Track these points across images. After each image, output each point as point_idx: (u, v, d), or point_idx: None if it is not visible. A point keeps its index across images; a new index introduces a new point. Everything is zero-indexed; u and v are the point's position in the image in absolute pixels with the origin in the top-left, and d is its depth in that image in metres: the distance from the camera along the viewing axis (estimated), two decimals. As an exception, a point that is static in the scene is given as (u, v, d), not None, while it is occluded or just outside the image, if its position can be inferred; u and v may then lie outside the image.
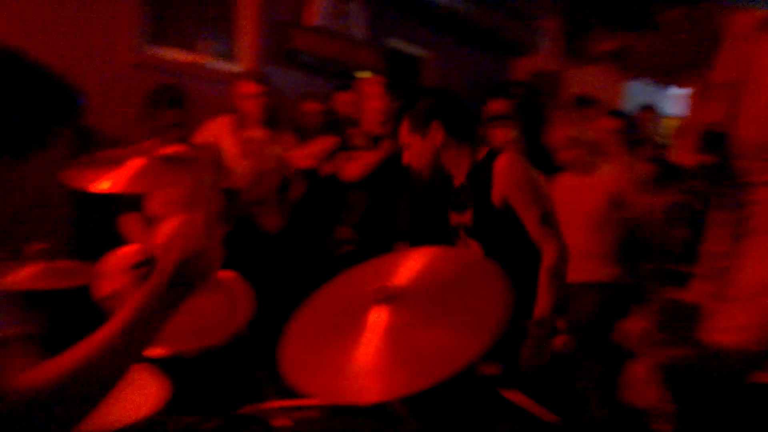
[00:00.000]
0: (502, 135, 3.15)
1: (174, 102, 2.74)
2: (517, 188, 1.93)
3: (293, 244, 3.32)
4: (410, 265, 1.15)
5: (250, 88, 3.23)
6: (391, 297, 1.10)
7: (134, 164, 1.59)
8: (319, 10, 4.54)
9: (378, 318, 1.07)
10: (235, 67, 4.11)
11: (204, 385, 1.68)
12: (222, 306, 1.73)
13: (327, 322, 1.17)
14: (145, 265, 1.86)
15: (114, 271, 1.81)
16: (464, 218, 2.05)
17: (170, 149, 1.99)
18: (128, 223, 2.73)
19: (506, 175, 1.94)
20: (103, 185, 1.53)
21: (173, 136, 2.72)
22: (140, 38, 3.49)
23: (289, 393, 1.74)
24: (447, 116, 2.07)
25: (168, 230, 2.58)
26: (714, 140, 1.08)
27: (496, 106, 3.70)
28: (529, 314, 1.90)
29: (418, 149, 2.08)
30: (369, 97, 3.32)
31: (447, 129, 2.04)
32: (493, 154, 2.02)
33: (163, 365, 1.54)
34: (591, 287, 2.78)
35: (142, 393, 1.42)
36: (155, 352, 1.58)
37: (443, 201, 2.16)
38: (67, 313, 2.09)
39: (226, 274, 1.84)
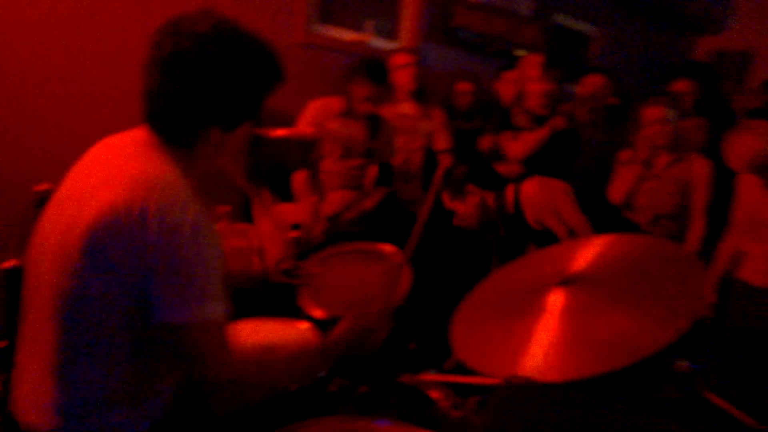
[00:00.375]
0: (656, 114, 2.90)
1: (370, 76, 2.77)
2: None
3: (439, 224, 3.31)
4: (595, 250, 1.11)
5: (401, 59, 3.28)
6: (572, 280, 1.08)
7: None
8: (484, -15, 4.43)
9: (557, 300, 1.05)
10: (397, 46, 4.16)
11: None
12: (380, 279, 1.77)
13: (503, 303, 1.16)
14: (298, 229, 1.98)
15: (272, 231, 1.96)
16: None
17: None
18: (298, 180, 2.85)
19: None
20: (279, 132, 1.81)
21: (365, 109, 2.78)
22: (310, 18, 3.64)
23: (441, 367, 1.75)
24: None
25: (335, 201, 2.70)
26: None
27: (679, 86, 3.42)
28: None
29: None
30: (529, 77, 3.21)
31: None
32: None
33: (326, 327, 1.62)
34: None
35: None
36: (319, 314, 1.67)
37: None
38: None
39: (387, 247, 1.88)
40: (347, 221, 2.70)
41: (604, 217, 2.92)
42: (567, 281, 1.08)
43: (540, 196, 2.74)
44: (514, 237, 3.03)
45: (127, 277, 1.02)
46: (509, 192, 3.07)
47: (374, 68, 2.77)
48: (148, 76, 1.11)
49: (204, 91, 1.08)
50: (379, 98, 2.79)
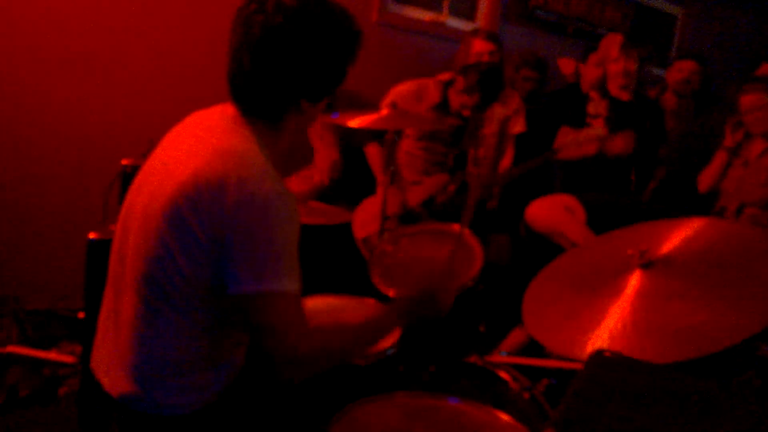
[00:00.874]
0: (753, 102, 2.73)
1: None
2: None
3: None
4: (682, 234, 1.07)
5: (481, 45, 3.19)
6: (654, 263, 1.05)
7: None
8: (565, -35, 4.28)
9: (637, 283, 1.03)
10: (475, 26, 4.09)
11: (430, 330, 1.75)
12: (452, 259, 1.77)
13: (578, 281, 1.14)
14: (391, 220, 2.02)
15: (367, 219, 2.01)
16: None
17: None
18: (371, 152, 2.88)
19: None
20: (356, 122, 1.87)
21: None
22: (388, -1, 3.64)
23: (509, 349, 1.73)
24: None
25: (420, 192, 2.73)
26: None
27: (766, 69, 3.22)
28: None
29: None
30: (609, 58, 3.09)
31: None
32: None
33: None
34: None
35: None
36: (391, 292, 1.69)
37: None
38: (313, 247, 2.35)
39: (458, 227, 1.88)
40: (440, 205, 2.72)
41: (691, 207, 2.79)
42: (649, 264, 1.05)
43: (542, 219, 2.64)
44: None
45: (206, 246, 1.05)
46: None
47: (489, 79, 2.77)
48: (238, 56, 1.12)
49: (297, 66, 1.10)
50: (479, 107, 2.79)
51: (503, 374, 1.43)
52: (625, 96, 3.05)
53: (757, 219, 2.69)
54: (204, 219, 1.04)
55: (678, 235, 1.10)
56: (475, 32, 3.40)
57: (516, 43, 4.26)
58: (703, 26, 5.31)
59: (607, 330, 1.02)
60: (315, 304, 1.64)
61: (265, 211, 1.03)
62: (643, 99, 3.13)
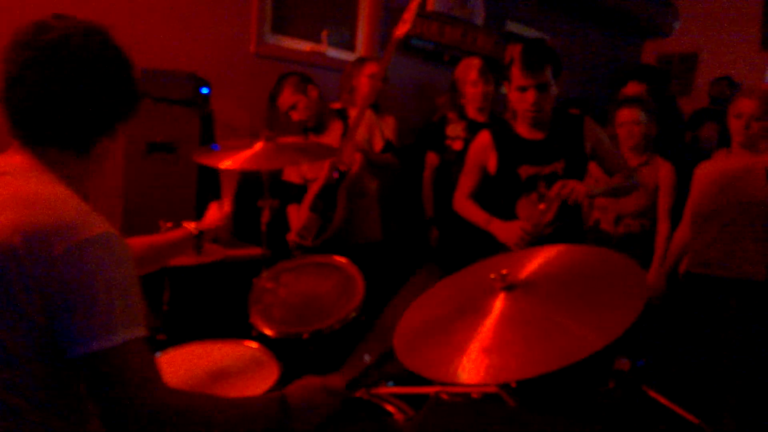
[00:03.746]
0: (629, 115, 2.97)
1: (290, 86, 2.76)
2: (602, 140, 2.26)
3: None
4: (541, 259, 1.14)
5: (373, 67, 3.23)
6: (513, 285, 1.10)
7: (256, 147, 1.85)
8: (438, -5, 4.48)
9: (501, 304, 1.07)
10: (354, 56, 4.16)
11: (316, 366, 1.72)
12: (335, 291, 1.76)
13: (447, 309, 1.16)
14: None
15: None
16: (552, 168, 2.17)
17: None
18: (291, 213, 2.82)
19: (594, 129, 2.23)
20: (227, 164, 1.74)
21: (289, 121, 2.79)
22: (263, 28, 3.62)
23: (402, 379, 1.74)
24: (557, 63, 2.16)
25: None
26: None
27: (631, 89, 3.52)
28: None
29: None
30: (467, 82, 3.25)
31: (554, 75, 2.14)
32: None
33: (279, 346, 1.60)
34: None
35: (258, 373, 1.47)
36: (270, 333, 1.64)
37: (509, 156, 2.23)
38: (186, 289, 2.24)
39: (340, 259, 1.87)
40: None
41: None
42: (511, 287, 1.10)
43: None
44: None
45: (31, 310, 0.93)
46: None
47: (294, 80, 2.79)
48: (18, 91, 1.03)
49: (80, 97, 1.03)
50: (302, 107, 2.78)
51: (389, 407, 1.43)
52: (481, 118, 3.22)
53: (631, 229, 2.90)
54: (29, 280, 0.93)
55: (537, 260, 1.16)
56: (362, 60, 3.46)
57: (396, 72, 4.38)
58: (567, 51, 5.75)
59: (476, 351, 1.05)
60: (191, 352, 1.56)
61: (96, 256, 0.94)
62: (499, 120, 3.32)
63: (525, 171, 2.17)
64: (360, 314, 1.69)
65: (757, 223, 2.46)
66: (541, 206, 2.02)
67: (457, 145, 3.26)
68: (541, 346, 0.98)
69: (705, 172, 2.64)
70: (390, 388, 1.54)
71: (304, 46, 3.90)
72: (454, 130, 3.30)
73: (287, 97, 2.75)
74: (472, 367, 1.03)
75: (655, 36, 5.99)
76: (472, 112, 3.29)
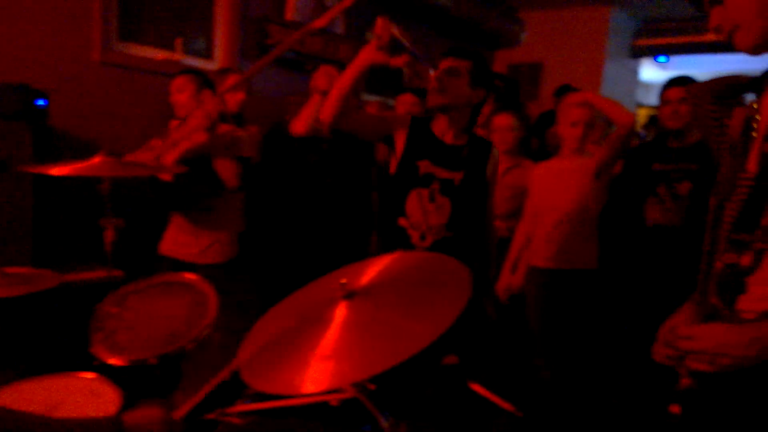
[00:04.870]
0: (504, 122, 3.16)
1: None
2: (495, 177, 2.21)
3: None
4: (376, 266, 1.18)
5: (234, 80, 3.16)
6: (352, 293, 1.12)
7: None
8: (297, 5, 4.47)
9: (340, 313, 1.09)
10: (212, 65, 4.04)
11: (169, 390, 1.63)
12: (186, 310, 1.68)
13: (289, 324, 1.16)
14: None
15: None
16: (450, 175, 2.11)
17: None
18: None
19: (497, 163, 2.21)
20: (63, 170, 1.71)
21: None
22: (108, 35, 3.41)
23: (259, 396, 1.71)
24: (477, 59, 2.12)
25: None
26: None
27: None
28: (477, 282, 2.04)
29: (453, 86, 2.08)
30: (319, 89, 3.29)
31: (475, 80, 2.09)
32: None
33: (123, 374, 1.50)
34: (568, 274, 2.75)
35: (96, 404, 1.38)
36: (114, 361, 1.54)
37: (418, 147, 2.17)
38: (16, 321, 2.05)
39: (190, 277, 1.80)
40: None
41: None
42: (350, 295, 1.12)
43: None
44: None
45: None
46: None
47: None
48: None
49: None
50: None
51: (242, 425, 1.39)
52: None
53: (500, 229, 3.06)
54: None
55: (375, 268, 1.20)
56: (225, 71, 3.37)
57: (256, 81, 4.32)
58: (425, 59, 5.98)
59: (320, 359, 1.06)
60: (16, 392, 1.42)
61: None
62: (422, 118, 3.39)
63: (424, 166, 2.12)
64: (214, 332, 1.63)
65: (587, 219, 2.72)
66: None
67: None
68: (380, 346, 1.02)
69: (541, 172, 2.86)
70: (246, 406, 1.50)
71: (157, 54, 3.73)
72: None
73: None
74: (317, 376, 1.04)
75: (505, 47, 6.41)
76: None
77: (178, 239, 2.73)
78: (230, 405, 1.51)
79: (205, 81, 2.78)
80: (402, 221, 2.13)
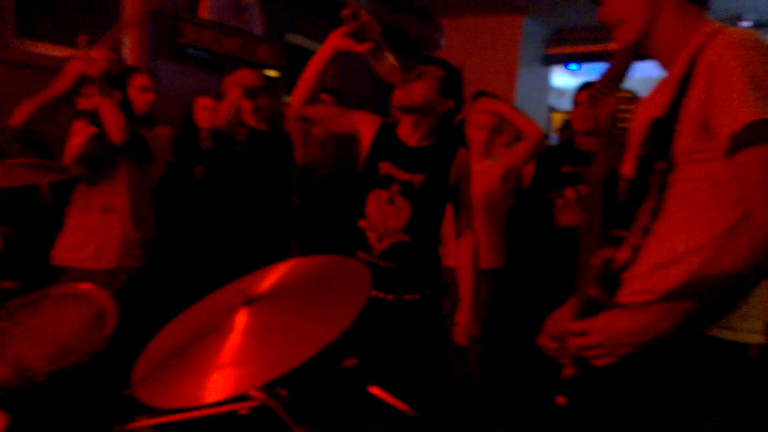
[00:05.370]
0: None
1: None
2: (467, 179, 2.16)
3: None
4: (277, 272, 1.17)
5: (143, 80, 3.05)
6: (252, 299, 1.11)
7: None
8: (211, 3, 4.36)
9: (241, 320, 1.07)
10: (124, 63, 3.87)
11: (60, 409, 1.54)
12: (82, 323, 1.59)
13: (189, 337, 1.12)
14: None
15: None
16: (411, 177, 2.08)
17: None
18: None
19: (465, 165, 2.15)
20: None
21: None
22: (4, 31, 3.20)
23: (162, 410, 1.64)
24: (450, 70, 2.11)
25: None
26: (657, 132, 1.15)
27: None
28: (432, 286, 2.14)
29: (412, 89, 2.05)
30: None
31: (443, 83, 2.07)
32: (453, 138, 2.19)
33: (10, 394, 1.40)
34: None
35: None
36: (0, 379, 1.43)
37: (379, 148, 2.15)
38: None
39: (84, 287, 1.70)
40: None
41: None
42: (250, 301, 1.10)
43: None
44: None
45: None
46: None
47: None
48: None
49: None
50: None
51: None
52: (261, 127, 3.26)
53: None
54: None
55: (275, 274, 1.18)
56: (131, 69, 3.23)
57: (170, 81, 4.17)
58: (350, 64, 5.98)
59: (222, 367, 1.04)
60: None
61: None
62: (277, 130, 3.37)
63: (385, 167, 2.09)
64: (112, 346, 1.55)
65: (492, 220, 2.82)
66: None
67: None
68: (280, 349, 1.02)
69: None
70: (147, 421, 1.44)
71: (59, 51, 3.53)
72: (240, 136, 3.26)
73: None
74: (218, 384, 1.01)
75: (427, 52, 6.50)
76: (250, 120, 3.29)
77: (71, 244, 2.57)
78: (129, 421, 1.45)
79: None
80: (362, 222, 2.10)
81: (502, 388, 2.92)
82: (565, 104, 7.79)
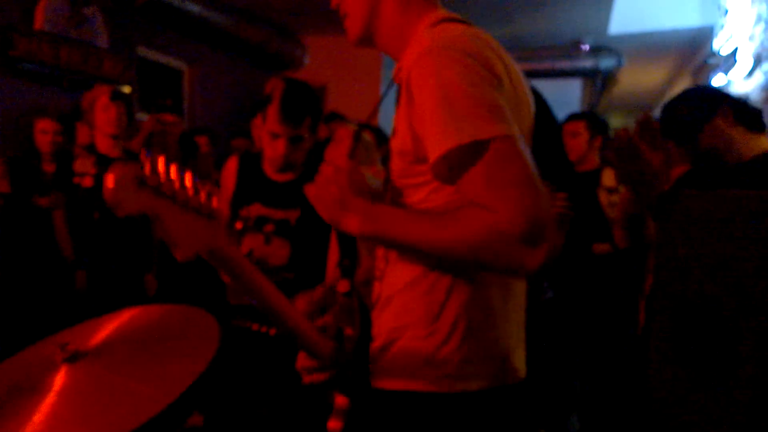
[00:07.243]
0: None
1: None
2: None
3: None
4: (112, 323, 1.01)
5: None
6: (77, 355, 0.95)
7: None
8: (47, 13, 3.96)
9: (59, 380, 0.91)
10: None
11: None
12: None
13: (1, 394, 0.94)
14: None
15: None
16: (286, 215, 1.94)
17: None
18: None
19: None
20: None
21: None
22: None
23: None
24: (317, 113, 1.97)
25: None
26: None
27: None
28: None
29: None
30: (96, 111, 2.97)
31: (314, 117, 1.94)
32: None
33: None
34: None
35: None
36: None
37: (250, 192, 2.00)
38: None
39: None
40: None
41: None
42: (75, 357, 0.94)
43: None
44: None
45: None
46: None
47: None
48: None
49: None
50: None
51: None
52: (114, 152, 2.97)
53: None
54: None
55: (110, 326, 1.03)
56: None
57: (1, 97, 3.75)
58: (207, 80, 5.74)
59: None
60: None
61: None
62: (128, 153, 3.09)
63: (256, 209, 1.95)
64: None
65: None
66: None
67: (87, 182, 2.90)
68: (103, 417, 0.86)
69: None
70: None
71: None
72: (83, 165, 2.93)
73: None
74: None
75: (290, 69, 6.43)
76: (102, 145, 2.97)
77: None
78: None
79: None
80: None
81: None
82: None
